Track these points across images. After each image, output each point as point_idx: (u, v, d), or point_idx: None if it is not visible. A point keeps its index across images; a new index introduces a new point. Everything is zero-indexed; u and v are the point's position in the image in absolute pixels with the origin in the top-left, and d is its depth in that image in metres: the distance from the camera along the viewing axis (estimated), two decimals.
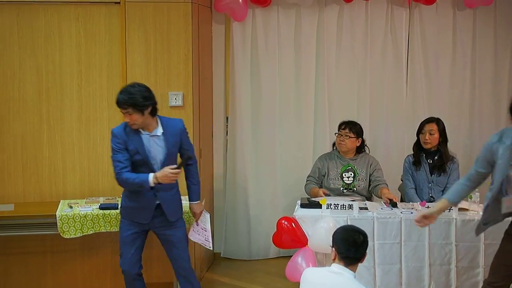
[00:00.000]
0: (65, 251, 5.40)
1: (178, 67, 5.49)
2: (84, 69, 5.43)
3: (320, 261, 4.91)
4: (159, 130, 4.48)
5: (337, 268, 3.57)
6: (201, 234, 4.90)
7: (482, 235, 4.71)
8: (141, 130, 4.44)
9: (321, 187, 5.66)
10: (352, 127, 5.62)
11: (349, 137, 5.59)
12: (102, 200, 5.20)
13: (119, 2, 5.40)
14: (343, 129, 5.63)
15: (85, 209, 4.98)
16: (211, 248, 5.08)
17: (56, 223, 4.88)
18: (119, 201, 5.14)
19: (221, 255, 6.43)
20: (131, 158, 4.43)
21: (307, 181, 5.72)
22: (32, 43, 5.37)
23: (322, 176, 5.67)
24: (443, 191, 5.43)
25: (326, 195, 5.43)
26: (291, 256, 5.07)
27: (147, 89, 4.44)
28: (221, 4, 5.99)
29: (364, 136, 5.73)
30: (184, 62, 5.49)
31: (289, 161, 6.39)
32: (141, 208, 4.53)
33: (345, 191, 5.60)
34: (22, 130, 5.37)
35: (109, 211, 4.95)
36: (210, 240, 4.91)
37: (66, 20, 5.39)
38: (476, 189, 4.43)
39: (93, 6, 5.41)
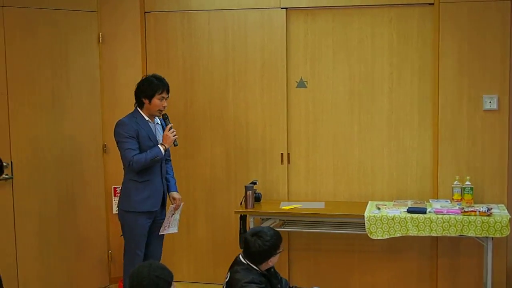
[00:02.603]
0: (372, 252, 5.50)
1: (493, 69, 5.22)
2: (395, 72, 5.44)
3: None
4: (156, 119, 4.88)
5: None
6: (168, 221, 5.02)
7: None
8: (148, 119, 4.79)
9: None
10: None
11: None
12: (410, 203, 5.16)
13: (432, 3, 5.31)
14: None
15: (393, 212, 4.99)
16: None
17: (364, 223, 4.96)
18: (427, 205, 5.07)
19: None
20: (139, 145, 4.70)
21: None
22: (346, 46, 5.52)
23: None
24: None
25: None
26: None
27: None
28: None
29: None
30: (500, 63, 5.20)
31: None
32: (152, 196, 4.78)
33: None
34: (334, 131, 5.57)
35: (417, 215, 4.88)
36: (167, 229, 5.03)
37: (379, 23, 5.45)
38: None
39: (406, 8, 5.39)
